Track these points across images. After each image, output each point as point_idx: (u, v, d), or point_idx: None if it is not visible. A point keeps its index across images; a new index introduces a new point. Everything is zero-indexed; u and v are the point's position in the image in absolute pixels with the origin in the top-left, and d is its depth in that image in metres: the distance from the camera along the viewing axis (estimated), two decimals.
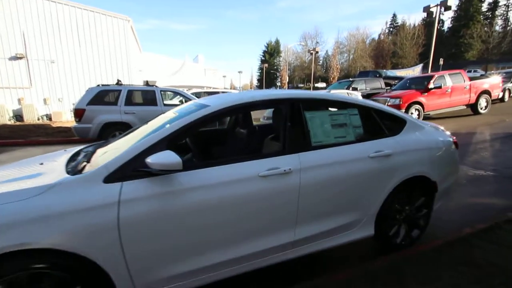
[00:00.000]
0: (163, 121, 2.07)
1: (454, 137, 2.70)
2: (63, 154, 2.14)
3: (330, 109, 2.22)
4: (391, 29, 57.21)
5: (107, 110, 6.53)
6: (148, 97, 7.02)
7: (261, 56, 69.49)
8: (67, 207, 1.35)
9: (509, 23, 44.81)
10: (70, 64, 15.63)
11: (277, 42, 69.43)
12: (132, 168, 1.50)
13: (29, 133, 9.77)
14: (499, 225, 2.71)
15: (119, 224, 1.41)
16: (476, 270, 2.04)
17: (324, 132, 2.06)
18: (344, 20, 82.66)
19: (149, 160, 1.44)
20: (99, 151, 1.98)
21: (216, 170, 1.68)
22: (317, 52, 36.32)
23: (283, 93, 2.09)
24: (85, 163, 1.73)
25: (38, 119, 14.84)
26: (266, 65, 55.10)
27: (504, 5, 46.40)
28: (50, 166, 1.82)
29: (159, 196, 1.51)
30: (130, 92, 6.81)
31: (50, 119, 15.04)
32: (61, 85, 15.73)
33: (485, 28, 40.60)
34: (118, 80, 7.11)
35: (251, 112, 2.91)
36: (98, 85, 6.75)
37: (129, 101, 6.75)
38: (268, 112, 7.96)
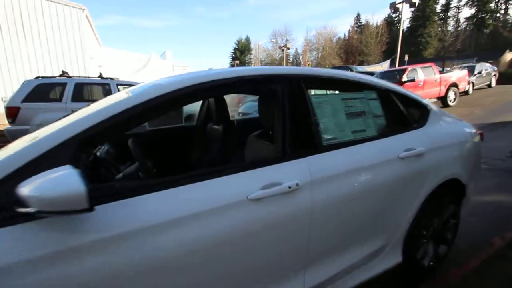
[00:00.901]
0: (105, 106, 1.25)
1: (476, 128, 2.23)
2: None
3: (340, 92, 1.59)
4: (356, 28, 59.18)
5: (48, 108, 5.36)
6: (102, 92, 5.94)
7: (232, 54, 68.27)
8: None
9: (460, 23, 48.57)
10: (15, 59, 13.56)
11: (247, 39, 68.58)
12: None
13: None
14: None
15: None
16: None
17: (338, 125, 1.42)
18: (312, 19, 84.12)
19: (24, 189, 0.69)
20: None
21: (176, 193, 0.96)
22: (288, 48, 36.17)
23: (277, 68, 1.41)
24: None
25: None
26: (238, 62, 54.20)
27: (455, 7, 50.18)
28: None
29: (54, 258, 0.76)
30: (79, 86, 5.70)
31: None
32: (4, 82, 13.62)
33: (439, 28, 43.51)
34: (63, 72, 5.95)
35: None
36: (37, 77, 5.56)
37: (77, 97, 5.63)
38: (245, 107, 7.10)
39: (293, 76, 1.36)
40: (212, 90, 1.22)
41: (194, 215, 0.95)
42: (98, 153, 1.51)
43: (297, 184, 1.14)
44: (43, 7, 14.21)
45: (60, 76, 5.87)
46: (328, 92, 1.56)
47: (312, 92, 1.49)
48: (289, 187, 1.12)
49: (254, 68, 1.36)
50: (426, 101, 1.93)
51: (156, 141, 2.10)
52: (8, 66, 13.48)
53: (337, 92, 1.57)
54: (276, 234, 1.13)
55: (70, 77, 5.95)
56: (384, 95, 1.68)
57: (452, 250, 2.03)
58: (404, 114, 1.72)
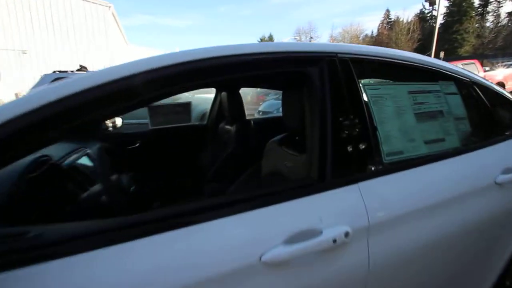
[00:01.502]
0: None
1: None
2: None
3: (406, 81, 1.09)
4: (385, 25, 56.55)
5: None
6: None
7: None
8: None
9: (500, 19, 44.68)
10: (44, 54, 14.14)
11: (270, 37, 67.80)
12: None
13: None
14: None
15: None
16: None
17: (406, 131, 0.93)
18: (337, 17, 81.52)
19: None
20: None
21: (130, 254, 0.54)
22: None
23: (312, 44, 0.94)
24: None
25: None
26: None
27: (496, 0, 46.20)
28: None
29: None
30: None
31: None
32: (34, 77, 14.19)
33: (476, 25, 40.21)
34: (81, 66, 5.82)
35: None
36: (54, 72, 5.47)
37: None
38: (266, 105, 6.50)
39: (337, 55, 0.89)
40: (204, 73, 0.74)
41: None
42: (66, 161, 1.14)
43: (346, 234, 0.67)
44: (71, 4, 14.65)
45: (78, 70, 5.75)
46: (389, 81, 1.08)
47: (365, 80, 1.00)
48: (334, 241, 0.65)
49: (277, 44, 0.90)
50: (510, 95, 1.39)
51: (153, 144, 1.72)
52: (39, 61, 14.05)
53: (401, 81, 1.07)
54: None
55: (86, 71, 5.82)
56: (467, 89, 1.16)
57: None
58: (494, 117, 1.19)
